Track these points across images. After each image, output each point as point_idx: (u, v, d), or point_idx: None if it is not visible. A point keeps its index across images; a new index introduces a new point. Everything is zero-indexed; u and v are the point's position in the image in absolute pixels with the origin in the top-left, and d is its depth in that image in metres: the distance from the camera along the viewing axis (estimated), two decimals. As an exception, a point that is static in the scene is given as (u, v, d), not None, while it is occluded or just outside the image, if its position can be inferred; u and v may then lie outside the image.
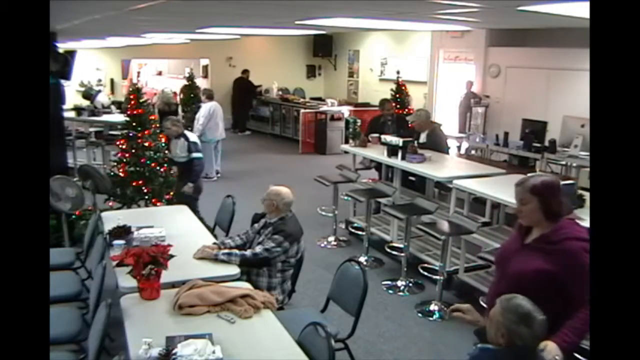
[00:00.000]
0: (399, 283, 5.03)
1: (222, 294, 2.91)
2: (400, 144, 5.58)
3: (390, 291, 4.95)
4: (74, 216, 5.52)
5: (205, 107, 8.81)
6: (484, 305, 4.15)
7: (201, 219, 4.72)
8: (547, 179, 2.55)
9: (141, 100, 5.79)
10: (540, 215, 2.45)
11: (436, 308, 4.54)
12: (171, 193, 5.79)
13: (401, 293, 4.92)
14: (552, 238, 2.44)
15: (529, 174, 2.70)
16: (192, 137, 5.91)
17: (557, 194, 2.45)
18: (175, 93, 11.21)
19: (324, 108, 11.75)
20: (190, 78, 11.81)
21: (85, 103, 9.74)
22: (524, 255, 2.52)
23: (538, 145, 6.72)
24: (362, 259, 5.50)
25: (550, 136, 6.75)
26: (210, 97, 8.98)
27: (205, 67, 14.40)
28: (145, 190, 5.63)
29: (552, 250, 2.42)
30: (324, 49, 14.31)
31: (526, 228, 2.56)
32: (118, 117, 8.22)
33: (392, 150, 5.69)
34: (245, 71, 13.50)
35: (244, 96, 13.59)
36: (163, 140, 5.95)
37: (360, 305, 3.21)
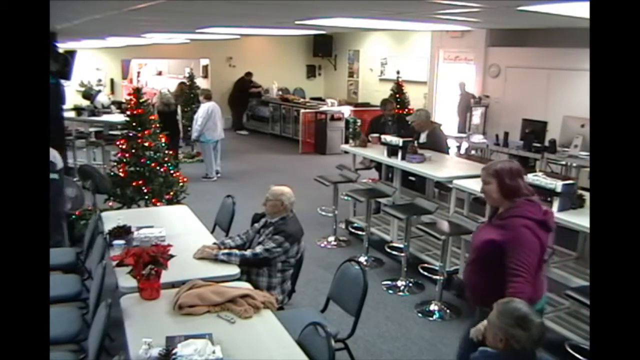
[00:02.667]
0: (399, 283, 5.03)
1: (222, 294, 2.91)
2: (400, 144, 5.58)
3: (390, 291, 4.95)
4: (74, 216, 5.52)
5: (204, 108, 8.80)
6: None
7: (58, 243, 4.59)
8: (507, 163, 2.85)
9: (141, 100, 5.79)
10: (499, 195, 2.73)
11: (436, 308, 4.54)
12: None
13: (401, 293, 4.92)
14: (503, 215, 2.73)
15: (495, 160, 3.00)
16: (52, 153, 4.61)
17: (514, 177, 2.72)
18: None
19: (324, 108, 11.75)
20: (191, 78, 11.83)
21: (85, 103, 9.74)
22: (484, 231, 2.85)
23: (538, 145, 6.72)
24: (362, 259, 5.50)
25: (550, 136, 6.75)
26: (208, 98, 8.97)
27: (205, 67, 14.40)
28: (145, 190, 5.63)
29: (500, 224, 2.72)
30: (324, 49, 14.31)
31: (495, 209, 2.84)
32: (118, 117, 8.22)
33: (392, 150, 5.69)
34: (249, 74, 13.52)
35: (241, 96, 13.60)
36: (163, 140, 5.95)
37: (360, 305, 3.21)
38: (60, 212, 5.12)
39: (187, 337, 2.50)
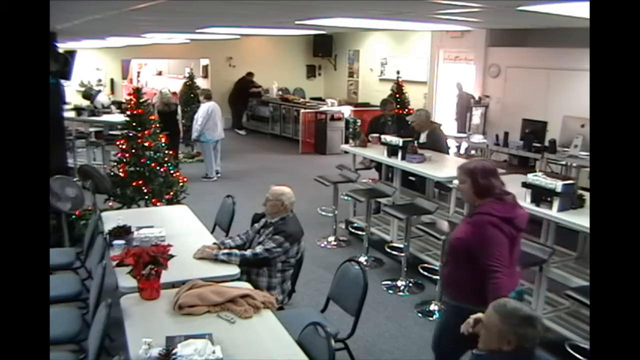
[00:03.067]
0: (399, 283, 5.03)
1: (222, 294, 2.91)
2: (400, 144, 5.58)
3: (390, 291, 4.96)
4: (74, 216, 5.52)
5: (204, 108, 8.80)
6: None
7: None
8: (481, 163, 2.96)
9: (141, 100, 5.79)
10: (472, 194, 2.86)
11: (436, 308, 4.54)
12: None
13: (401, 293, 4.92)
14: (472, 212, 2.89)
15: (472, 159, 3.15)
16: None
17: (487, 176, 2.83)
18: (174, 93, 11.21)
19: (324, 108, 11.75)
20: (191, 78, 11.82)
21: (85, 103, 9.74)
22: (458, 228, 3.01)
23: (538, 145, 6.72)
24: (362, 259, 5.50)
25: (550, 136, 6.75)
26: (208, 97, 8.97)
27: (205, 67, 14.40)
28: (145, 190, 5.63)
29: (469, 222, 2.87)
30: (324, 49, 14.31)
31: (473, 207, 2.96)
32: (118, 117, 8.22)
33: (392, 150, 5.69)
34: (250, 74, 13.52)
35: (241, 95, 13.60)
36: (163, 140, 5.95)
37: (360, 305, 3.21)
38: None
39: (187, 337, 2.50)
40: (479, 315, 2.30)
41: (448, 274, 3.02)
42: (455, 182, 4.80)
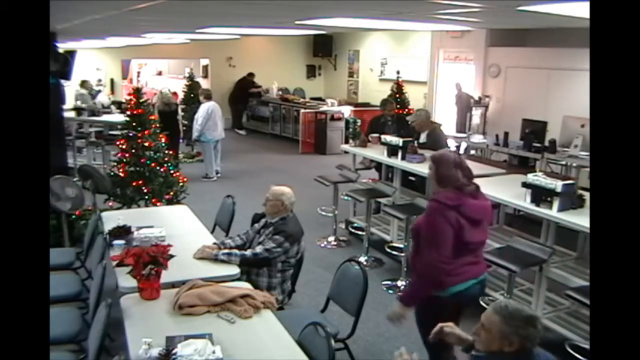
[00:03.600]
0: (399, 283, 5.03)
1: (222, 294, 2.91)
2: (400, 144, 5.58)
3: (390, 291, 4.95)
4: (74, 216, 5.52)
5: (204, 107, 8.80)
6: (484, 306, 4.15)
7: None
8: (450, 154, 3.12)
9: (141, 100, 5.79)
10: (434, 181, 3.03)
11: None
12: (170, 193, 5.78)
13: (401, 293, 4.92)
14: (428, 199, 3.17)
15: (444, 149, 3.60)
16: None
17: (451, 167, 2.94)
18: (175, 93, 11.22)
19: (324, 108, 11.75)
20: (191, 78, 11.82)
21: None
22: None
23: (538, 145, 6.72)
24: (362, 259, 5.50)
25: (550, 136, 6.75)
26: (208, 97, 8.96)
27: (205, 67, 14.41)
28: (145, 190, 5.63)
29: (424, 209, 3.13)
30: (324, 49, 14.31)
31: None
32: (118, 117, 8.22)
33: (392, 150, 5.69)
34: (251, 74, 13.52)
35: (242, 95, 13.61)
36: (163, 140, 5.95)
37: (360, 305, 3.21)
38: None
39: (187, 337, 2.50)
40: (448, 326, 2.37)
41: (412, 259, 3.19)
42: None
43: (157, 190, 5.68)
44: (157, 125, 5.94)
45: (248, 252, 3.53)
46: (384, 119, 7.05)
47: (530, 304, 4.19)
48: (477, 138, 7.86)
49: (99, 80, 12.72)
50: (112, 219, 4.17)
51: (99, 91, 11.10)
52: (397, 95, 9.39)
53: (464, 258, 2.94)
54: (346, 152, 6.96)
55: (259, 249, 3.53)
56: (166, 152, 5.91)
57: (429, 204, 2.99)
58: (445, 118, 9.48)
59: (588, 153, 5.81)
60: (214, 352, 2.40)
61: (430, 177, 3.08)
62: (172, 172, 5.94)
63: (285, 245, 3.52)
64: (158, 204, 5.58)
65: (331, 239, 6.16)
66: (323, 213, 7.14)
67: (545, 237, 4.19)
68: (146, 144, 5.69)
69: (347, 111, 11.63)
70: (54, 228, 5.24)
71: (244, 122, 13.98)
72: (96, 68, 12.81)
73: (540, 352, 2.15)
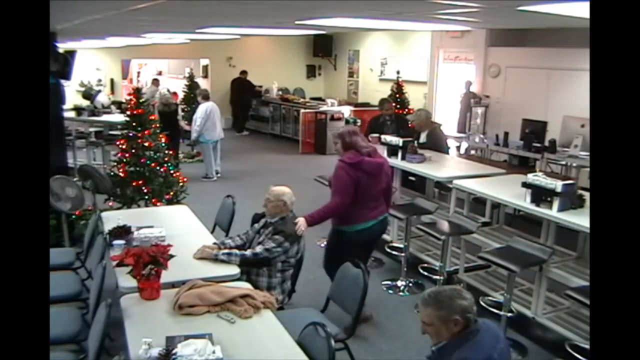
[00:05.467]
0: (399, 283, 5.03)
1: (222, 294, 2.91)
2: (400, 144, 5.58)
3: (390, 291, 4.95)
4: (74, 216, 5.52)
5: (202, 108, 8.78)
6: (485, 306, 4.17)
7: None
8: (347, 127, 4.55)
9: (141, 100, 5.79)
10: (341, 149, 3.96)
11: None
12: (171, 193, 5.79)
13: (401, 293, 4.92)
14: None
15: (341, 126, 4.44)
16: None
17: (351, 135, 3.93)
18: (174, 93, 11.22)
19: (324, 108, 11.75)
20: (191, 78, 11.82)
21: (85, 103, 9.74)
22: None
23: (538, 145, 6.72)
24: (362, 259, 5.50)
25: (550, 136, 6.75)
26: (206, 98, 8.95)
27: (205, 67, 14.40)
28: (145, 190, 5.63)
29: None
30: (324, 49, 14.31)
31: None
32: (118, 117, 8.22)
33: (392, 150, 5.69)
34: (244, 72, 13.49)
35: (243, 96, 13.58)
36: (163, 140, 5.95)
37: (360, 305, 3.21)
38: None
39: (187, 337, 2.50)
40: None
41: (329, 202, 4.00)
42: (456, 182, 4.84)
43: (157, 190, 5.68)
44: (157, 125, 5.93)
45: (248, 252, 3.53)
46: (383, 119, 7.05)
47: (530, 304, 4.20)
48: (477, 138, 7.86)
49: (99, 80, 12.72)
50: (112, 219, 4.17)
51: (99, 91, 11.07)
52: (397, 95, 9.39)
53: (366, 203, 3.92)
54: (346, 152, 6.96)
55: (258, 248, 3.53)
56: (166, 152, 5.91)
57: (337, 163, 3.92)
58: (445, 118, 9.48)
59: (588, 153, 5.81)
60: (214, 352, 2.40)
61: (338, 149, 3.98)
62: (172, 172, 5.94)
63: (285, 245, 3.52)
64: (158, 204, 5.58)
65: (331, 239, 6.14)
66: (323, 213, 7.12)
67: (545, 237, 4.20)
68: (146, 144, 5.69)
69: (347, 111, 11.62)
70: (54, 228, 5.24)
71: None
72: (96, 68, 12.81)
73: (485, 321, 2.24)
